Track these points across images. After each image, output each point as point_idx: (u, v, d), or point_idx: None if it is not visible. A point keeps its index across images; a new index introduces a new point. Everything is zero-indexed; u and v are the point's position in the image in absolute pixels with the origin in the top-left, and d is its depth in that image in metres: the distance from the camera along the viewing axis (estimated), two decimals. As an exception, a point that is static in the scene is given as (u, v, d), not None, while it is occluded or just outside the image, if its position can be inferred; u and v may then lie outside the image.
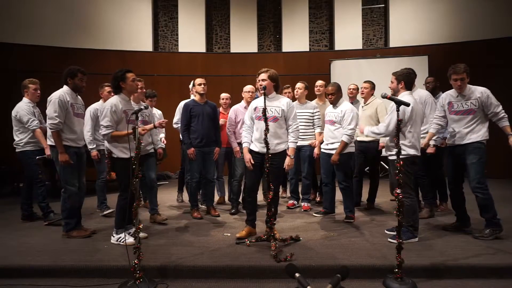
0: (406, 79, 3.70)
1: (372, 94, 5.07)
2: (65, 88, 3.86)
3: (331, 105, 4.53)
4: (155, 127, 4.06)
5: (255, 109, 3.77)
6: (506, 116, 3.69)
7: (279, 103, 3.75)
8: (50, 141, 3.83)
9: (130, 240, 3.40)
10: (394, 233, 3.74)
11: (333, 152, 4.35)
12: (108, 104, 3.55)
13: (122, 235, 3.57)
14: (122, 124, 3.57)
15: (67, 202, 3.76)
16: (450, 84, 3.82)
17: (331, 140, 4.44)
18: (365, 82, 5.09)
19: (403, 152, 3.51)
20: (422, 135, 3.90)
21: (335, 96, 4.43)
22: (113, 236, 3.64)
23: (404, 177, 3.45)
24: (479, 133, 3.68)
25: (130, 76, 3.63)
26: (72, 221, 3.81)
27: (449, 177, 3.96)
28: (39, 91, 4.62)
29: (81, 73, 3.90)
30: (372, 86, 5.06)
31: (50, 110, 3.70)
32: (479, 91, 3.70)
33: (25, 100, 4.59)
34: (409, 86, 3.72)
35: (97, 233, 3.94)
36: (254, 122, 3.80)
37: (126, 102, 3.66)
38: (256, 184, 3.83)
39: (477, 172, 3.63)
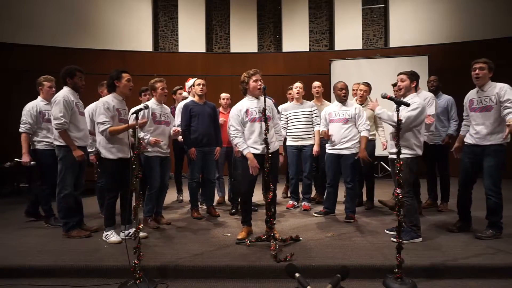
0: (417, 79, 3.75)
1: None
2: (66, 88, 3.87)
3: (339, 104, 4.45)
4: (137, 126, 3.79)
5: (246, 112, 3.69)
6: None
7: (268, 103, 3.72)
8: (59, 142, 3.79)
9: (113, 238, 3.64)
10: (395, 233, 3.79)
11: (344, 152, 4.33)
12: (100, 102, 3.64)
13: (109, 232, 3.69)
14: (115, 122, 3.62)
15: (62, 202, 3.76)
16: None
17: (342, 140, 4.35)
18: (364, 84, 5.02)
19: (411, 152, 3.53)
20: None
21: (347, 92, 4.44)
22: (103, 233, 3.74)
23: (407, 177, 3.48)
24: (500, 135, 3.53)
25: (125, 76, 3.69)
26: (70, 220, 3.81)
27: (461, 177, 3.83)
28: (53, 89, 4.47)
29: (80, 72, 3.91)
30: (370, 88, 5.06)
31: (56, 110, 3.72)
32: (498, 87, 3.56)
33: (39, 98, 4.47)
34: (416, 87, 3.76)
35: (98, 231, 3.94)
36: (245, 126, 3.71)
37: (119, 102, 3.70)
38: (253, 188, 3.82)
39: (492, 175, 3.56)
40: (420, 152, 3.61)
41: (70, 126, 3.78)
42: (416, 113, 3.45)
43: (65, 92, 3.83)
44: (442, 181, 4.89)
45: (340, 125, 4.37)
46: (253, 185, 3.79)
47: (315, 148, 4.90)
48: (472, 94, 3.79)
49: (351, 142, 4.33)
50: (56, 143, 3.83)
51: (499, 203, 3.60)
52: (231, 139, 3.75)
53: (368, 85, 5.04)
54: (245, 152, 3.62)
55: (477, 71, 3.62)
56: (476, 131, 3.68)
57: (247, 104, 3.74)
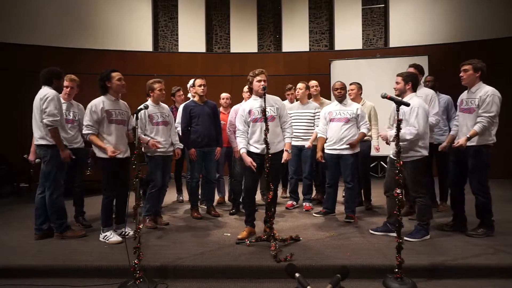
0: (413, 80, 3.73)
1: (360, 94, 5.03)
2: (50, 88, 3.72)
3: (339, 104, 4.46)
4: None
5: (249, 112, 3.73)
6: (483, 123, 3.51)
7: (273, 102, 3.77)
8: (47, 141, 3.63)
9: (113, 239, 3.60)
10: (380, 233, 3.82)
11: (344, 152, 4.33)
12: (90, 104, 3.64)
13: (108, 233, 3.65)
14: (104, 124, 3.61)
15: (56, 204, 3.68)
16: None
17: (341, 140, 4.33)
18: (351, 84, 4.99)
19: (417, 154, 3.56)
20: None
21: (344, 91, 4.46)
22: (100, 234, 3.70)
23: (417, 179, 3.56)
24: (481, 136, 3.57)
25: (115, 75, 3.66)
26: (65, 220, 3.78)
27: (451, 176, 3.93)
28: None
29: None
30: (359, 87, 5.02)
31: (51, 106, 3.58)
32: (484, 91, 3.58)
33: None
34: (415, 88, 3.76)
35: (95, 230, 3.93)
36: (248, 126, 3.75)
37: (111, 102, 3.68)
38: (256, 185, 3.84)
39: (476, 176, 3.61)
40: (425, 152, 3.63)
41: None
42: (412, 137, 3.50)
43: (53, 91, 3.69)
44: (440, 181, 4.89)
45: (340, 125, 4.37)
46: (256, 182, 3.81)
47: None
48: (463, 95, 3.84)
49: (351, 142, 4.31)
50: (43, 142, 3.65)
51: (486, 202, 3.63)
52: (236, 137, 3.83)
53: (356, 83, 5.01)
54: (241, 152, 3.72)
55: (461, 73, 3.70)
56: (461, 131, 3.75)
57: (251, 104, 3.78)
